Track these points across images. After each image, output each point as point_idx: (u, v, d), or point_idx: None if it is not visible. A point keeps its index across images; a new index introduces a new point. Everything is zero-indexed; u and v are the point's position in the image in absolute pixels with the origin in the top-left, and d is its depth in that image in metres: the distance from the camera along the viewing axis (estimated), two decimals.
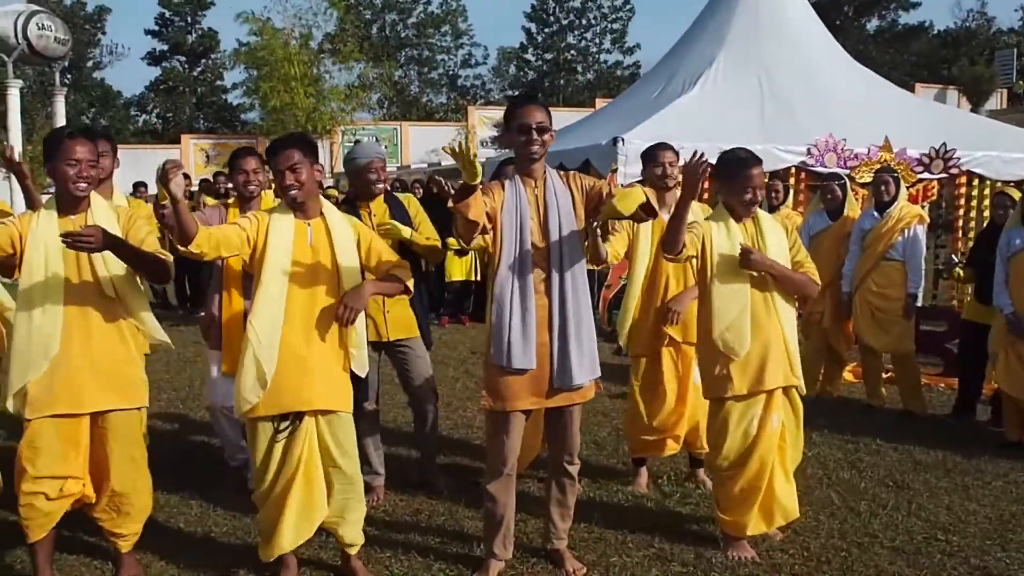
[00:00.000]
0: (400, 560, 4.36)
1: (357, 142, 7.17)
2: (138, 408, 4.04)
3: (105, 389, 3.88)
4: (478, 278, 11.32)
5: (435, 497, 5.14)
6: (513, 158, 4.19)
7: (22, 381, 3.81)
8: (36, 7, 20.34)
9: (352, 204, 5.07)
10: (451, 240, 10.50)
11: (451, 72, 53.97)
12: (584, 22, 51.28)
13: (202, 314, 5.39)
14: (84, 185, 3.83)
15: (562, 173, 4.08)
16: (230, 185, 5.46)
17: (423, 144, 32.99)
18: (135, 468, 4.05)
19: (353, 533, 4.09)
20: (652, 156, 5.11)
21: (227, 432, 5.33)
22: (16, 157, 3.72)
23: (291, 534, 3.94)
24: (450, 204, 3.64)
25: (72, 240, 3.47)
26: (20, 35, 18.49)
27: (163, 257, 3.91)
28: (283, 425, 3.89)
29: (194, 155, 30.46)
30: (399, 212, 5.14)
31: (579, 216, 4.00)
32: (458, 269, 11.23)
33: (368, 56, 32.35)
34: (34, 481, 3.85)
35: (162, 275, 3.95)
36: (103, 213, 3.93)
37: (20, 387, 3.82)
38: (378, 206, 5.10)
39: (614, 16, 51.08)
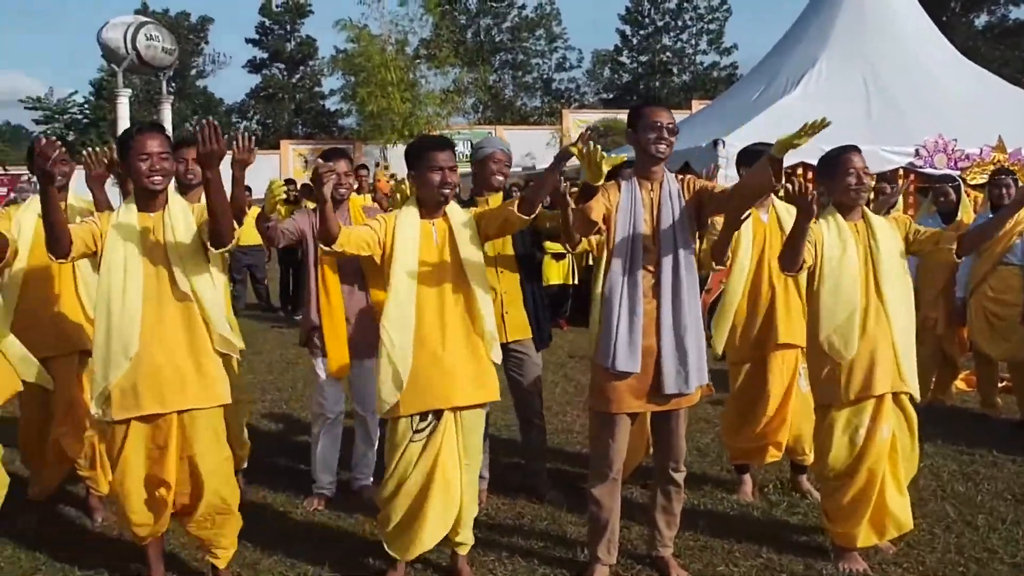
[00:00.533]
0: (504, 563, 4.35)
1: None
2: (220, 406, 4.00)
3: (189, 387, 3.86)
4: (575, 282, 11.26)
5: (537, 501, 5.11)
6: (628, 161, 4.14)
7: (104, 382, 3.81)
8: (145, 19, 21.00)
9: (472, 202, 5.05)
10: (548, 244, 10.56)
11: (545, 76, 54.05)
12: (680, 23, 50.86)
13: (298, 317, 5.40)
14: (159, 178, 3.83)
15: (678, 176, 4.04)
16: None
17: (518, 148, 32.87)
18: (222, 471, 4.02)
19: (467, 533, 4.11)
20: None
21: (324, 451, 5.24)
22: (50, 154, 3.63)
23: (432, 532, 3.96)
24: (573, 205, 3.65)
25: (203, 137, 3.53)
26: (130, 46, 19.10)
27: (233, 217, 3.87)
28: (421, 424, 3.93)
29: (293, 160, 31.04)
30: None
31: (691, 220, 3.96)
32: (555, 273, 11.19)
33: (463, 61, 32.57)
34: (127, 487, 3.88)
35: (228, 233, 3.82)
36: (180, 209, 3.93)
37: (103, 388, 3.82)
38: (496, 203, 4.94)
39: (710, 17, 50.57)
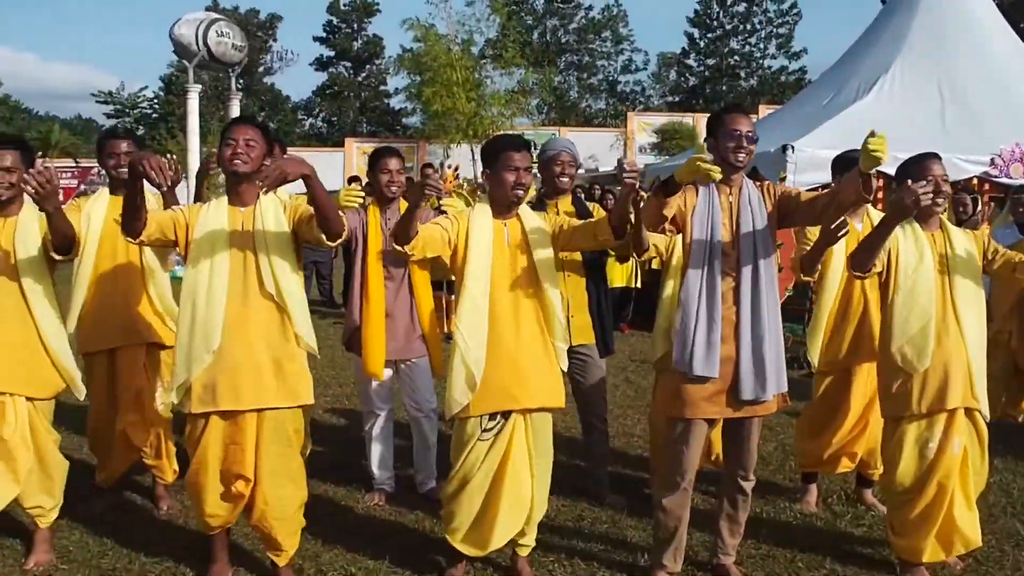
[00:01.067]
0: (564, 565, 4.34)
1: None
2: (299, 407, 4.00)
3: (267, 386, 3.86)
4: (639, 285, 11.21)
5: (598, 504, 5.09)
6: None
7: (186, 374, 3.83)
8: (216, 15, 21.30)
9: (541, 202, 5.04)
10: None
11: (611, 78, 53.93)
12: (748, 27, 50.39)
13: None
14: (239, 163, 3.82)
15: (757, 183, 4.00)
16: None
17: (581, 150, 32.57)
18: (290, 472, 4.01)
19: (532, 534, 4.12)
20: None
21: (379, 448, 5.28)
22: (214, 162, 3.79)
23: (503, 531, 3.96)
24: (650, 196, 3.63)
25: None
26: (201, 42, 19.35)
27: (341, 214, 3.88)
28: (489, 424, 3.93)
29: (357, 158, 31.30)
30: (585, 214, 4.98)
31: (772, 227, 3.92)
32: (619, 275, 11.13)
33: (529, 61, 32.55)
34: (203, 478, 3.91)
35: (338, 222, 3.78)
36: (271, 204, 3.94)
37: (184, 380, 3.85)
38: (566, 206, 5.03)
39: (780, 20, 50.04)
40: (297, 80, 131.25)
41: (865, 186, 3.51)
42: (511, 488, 3.94)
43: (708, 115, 4.19)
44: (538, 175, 5.14)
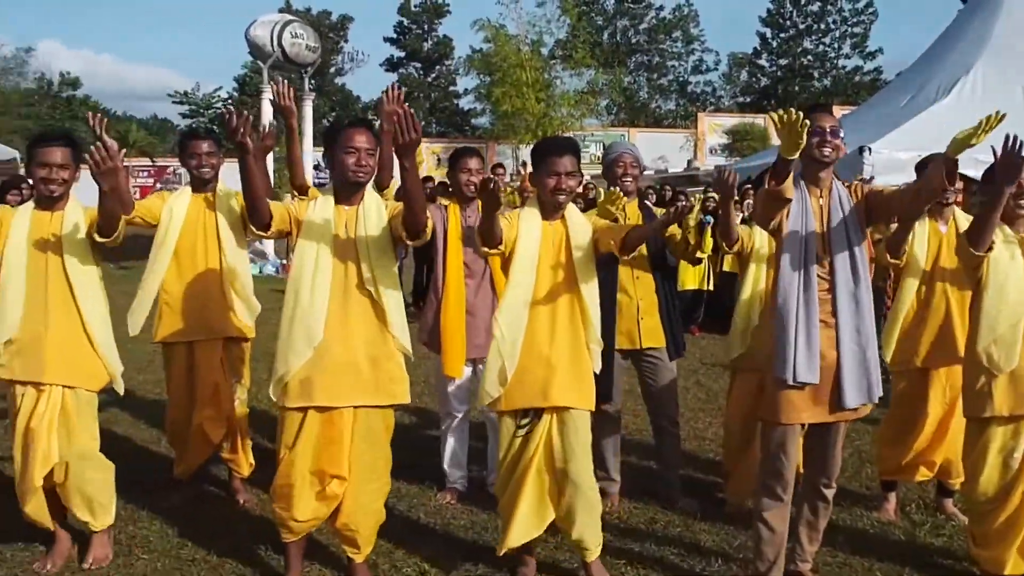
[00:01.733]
0: (636, 569, 4.31)
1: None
2: (393, 406, 4.02)
3: (365, 383, 3.88)
4: (710, 287, 11.09)
5: (670, 507, 5.03)
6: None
7: (285, 368, 3.84)
8: (291, 17, 21.55)
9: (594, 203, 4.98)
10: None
11: (681, 78, 53.56)
12: (822, 26, 49.70)
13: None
14: (363, 174, 3.86)
15: (845, 183, 3.92)
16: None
17: (651, 151, 32.77)
18: (377, 472, 4.03)
19: (586, 537, 4.00)
20: None
21: (453, 447, 5.31)
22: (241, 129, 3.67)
23: (520, 530, 3.95)
24: (769, 184, 3.58)
25: (401, 127, 3.46)
26: (275, 43, 19.54)
27: None
28: (523, 421, 3.97)
29: (427, 158, 31.54)
30: (651, 219, 4.93)
31: (862, 225, 3.83)
32: (691, 277, 11.04)
33: (598, 62, 32.46)
34: (295, 478, 3.87)
35: (423, 221, 3.82)
36: (374, 204, 3.97)
37: (282, 374, 3.85)
38: (632, 209, 4.98)
39: (855, 20, 49.29)
40: (367, 81, 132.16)
41: (950, 174, 3.44)
42: (534, 488, 3.94)
43: None
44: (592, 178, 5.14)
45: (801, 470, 4.22)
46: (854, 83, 49.05)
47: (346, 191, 3.94)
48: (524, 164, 18.80)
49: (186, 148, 5.03)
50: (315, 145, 22.47)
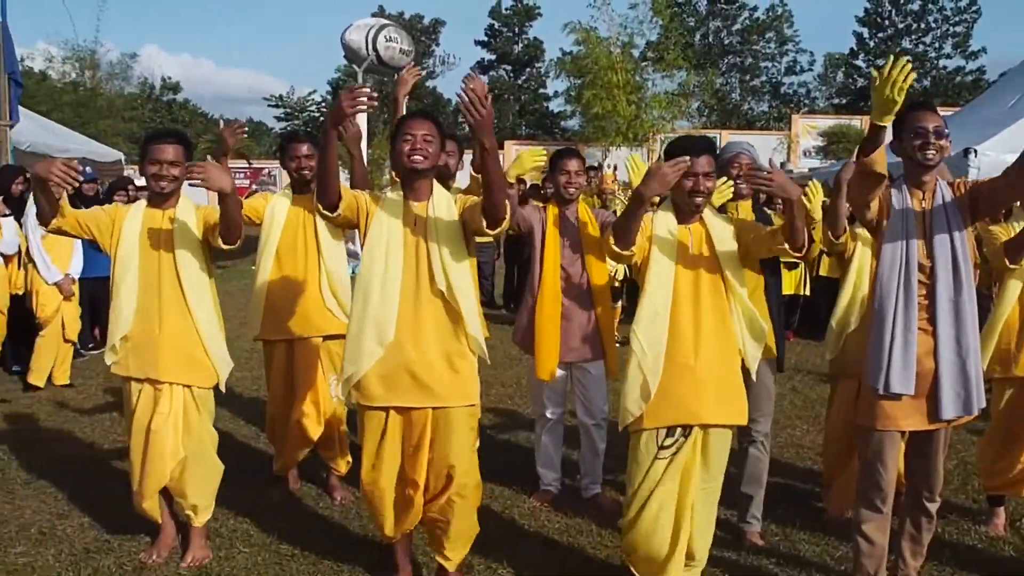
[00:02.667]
0: None
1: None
2: (470, 405, 3.91)
3: (440, 383, 3.79)
4: (807, 292, 10.88)
5: (767, 517, 4.87)
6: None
7: (355, 367, 3.81)
8: (385, 21, 21.80)
9: (723, 208, 4.65)
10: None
11: (774, 79, 52.67)
12: (923, 25, 48.28)
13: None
14: (419, 159, 3.74)
15: (950, 182, 3.75)
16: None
17: None
18: (470, 474, 3.92)
19: (702, 555, 3.94)
20: None
21: (547, 450, 5.29)
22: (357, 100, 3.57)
23: (679, 560, 3.81)
24: (857, 157, 3.46)
25: (471, 103, 3.46)
26: (370, 47, 19.79)
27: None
28: (668, 440, 3.74)
29: (540, 161, 31.48)
30: (765, 223, 4.60)
31: (967, 223, 3.67)
32: (788, 282, 10.83)
33: (690, 63, 32.09)
34: (381, 480, 3.89)
35: (502, 207, 3.67)
36: (443, 199, 3.88)
37: (351, 373, 3.83)
38: (745, 211, 4.72)
39: (957, 19, 47.76)
40: (458, 84, 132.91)
41: None
42: (684, 511, 3.77)
43: None
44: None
45: (903, 481, 4.08)
46: (955, 84, 47.61)
47: (410, 183, 3.84)
48: (608, 166, 18.69)
49: (286, 151, 5.15)
50: None
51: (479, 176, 3.84)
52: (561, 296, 5.01)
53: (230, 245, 4.21)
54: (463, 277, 3.83)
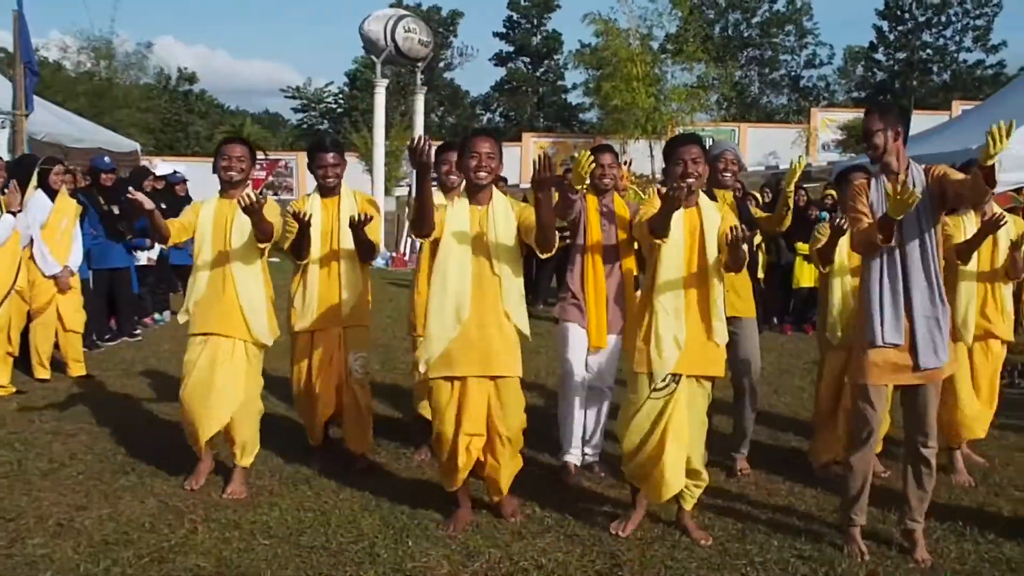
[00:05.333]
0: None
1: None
2: (519, 376, 4.65)
3: (498, 355, 4.51)
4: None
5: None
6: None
7: (436, 343, 4.51)
8: (404, 11, 21.82)
9: (709, 190, 5.29)
10: (800, 245, 10.20)
11: (793, 73, 52.51)
12: (943, 19, 48.03)
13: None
14: (483, 175, 4.52)
15: (926, 168, 4.29)
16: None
17: (761, 147, 32.25)
18: (515, 431, 4.64)
19: (699, 464, 4.58)
20: None
21: (572, 415, 5.58)
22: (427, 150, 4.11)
23: (673, 481, 4.46)
24: (878, 239, 4.10)
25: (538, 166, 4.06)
26: (389, 37, 19.85)
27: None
28: (661, 384, 4.47)
29: (533, 152, 31.44)
30: (744, 212, 5.70)
31: (936, 206, 4.24)
32: (808, 275, 10.78)
33: (710, 56, 31.92)
34: (448, 436, 4.53)
35: (552, 241, 4.39)
36: (502, 205, 4.59)
37: (433, 349, 4.51)
38: (728, 199, 5.55)
39: (977, 12, 47.50)
40: (476, 75, 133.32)
41: (986, 178, 3.83)
42: (674, 446, 4.44)
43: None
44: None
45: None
46: (975, 77, 47.36)
47: (474, 191, 4.59)
48: (625, 162, 18.67)
49: (314, 158, 5.53)
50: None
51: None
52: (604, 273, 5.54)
53: (263, 243, 5.05)
54: (514, 269, 4.59)
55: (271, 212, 5.02)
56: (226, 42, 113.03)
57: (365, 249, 5.37)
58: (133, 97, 34.61)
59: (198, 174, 15.11)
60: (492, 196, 4.59)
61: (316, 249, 5.42)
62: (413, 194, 4.77)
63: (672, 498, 4.55)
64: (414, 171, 4.39)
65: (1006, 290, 5.77)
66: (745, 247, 4.37)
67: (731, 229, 4.29)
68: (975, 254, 5.48)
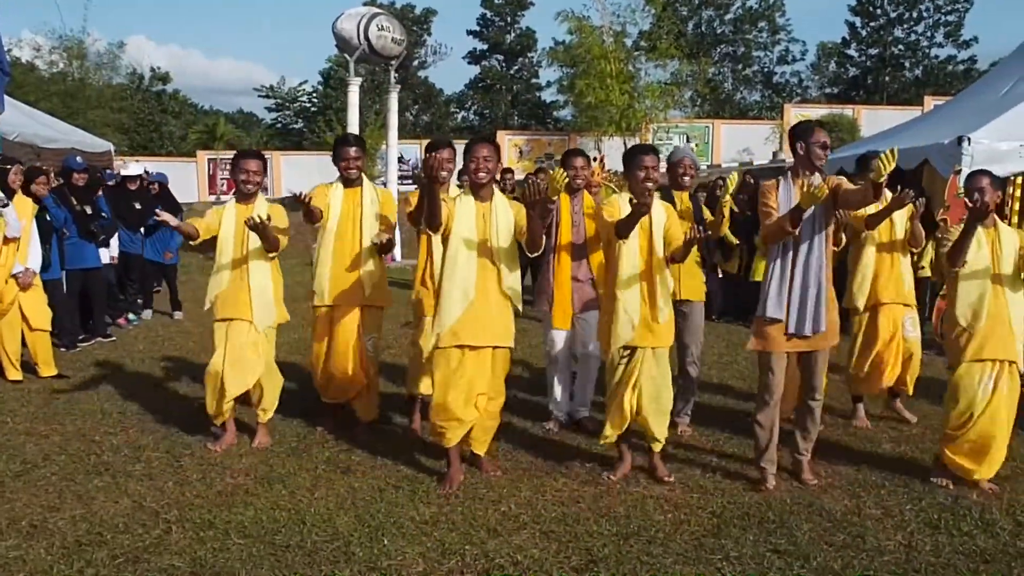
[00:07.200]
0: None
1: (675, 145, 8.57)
2: (511, 347, 5.48)
3: (498, 327, 5.29)
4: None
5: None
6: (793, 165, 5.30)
7: (447, 317, 5.21)
8: (377, 10, 21.66)
9: (668, 191, 6.40)
10: (759, 241, 10.25)
11: (767, 69, 52.72)
12: (915, 15, 48.30)
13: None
14: (483, 175, 5.28)
15: (825, 178, 5.07)
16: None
17: (735, 143, 32.32)
18: (498, 392, 5.47)
19: (656, 432, 5.46)
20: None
21: (557, 386, 6.64)
22: (447, 169, 5.45)
23: (622, 417, 5.43)
24: (787, 226, 4.96)
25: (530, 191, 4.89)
26: (362, 36, 19.69)
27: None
28: (625, 354, 5.39)
29: (508, 151, 31.42)
30: (697, 211, 6.57)
31: (828, 210, 5.12)
32: (761, 271, 10.84)
33: (683, 53, 31.93)
34: (451, 398, 5.22)
35: (540, 244, 5.19)
36: (502, 202, 5.35)
37: (444, 322, 5.20)
38: (684, 201, 6.48)
39: (949, 8, 47.80)
40: (450, 73, 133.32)
41: (875, 191, 4.82)
42: (629, 401, 5.38)
43: (868, 107, 4.73)
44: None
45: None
46: (947, 73, 47.69)
47: (477, 190, 5.33)
48: (595, 158, 18.70)
49: (338, 152, 6.23)
50: (399, 138, 22.63)
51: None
52: (572, 265, 6.42)
53: (271, 253, 6.00)
54: (511, 256, 5.34)
55: (279, 220, 5.97)
56: (199, 41, 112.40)
57: (270, 244, 5.93)
58: (106, 97, 34.14)
59: (171, 173, 15.03)
60: (493, 193, 5.34)
61: (335, 234, 6.16)
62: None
63: (643, 451, 5.59)
64: (425, 180, 4.95)
65: (904, 261, 6.72)
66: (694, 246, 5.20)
67: (690, 229, 5.02)
68: (877, 229, 6.54)
